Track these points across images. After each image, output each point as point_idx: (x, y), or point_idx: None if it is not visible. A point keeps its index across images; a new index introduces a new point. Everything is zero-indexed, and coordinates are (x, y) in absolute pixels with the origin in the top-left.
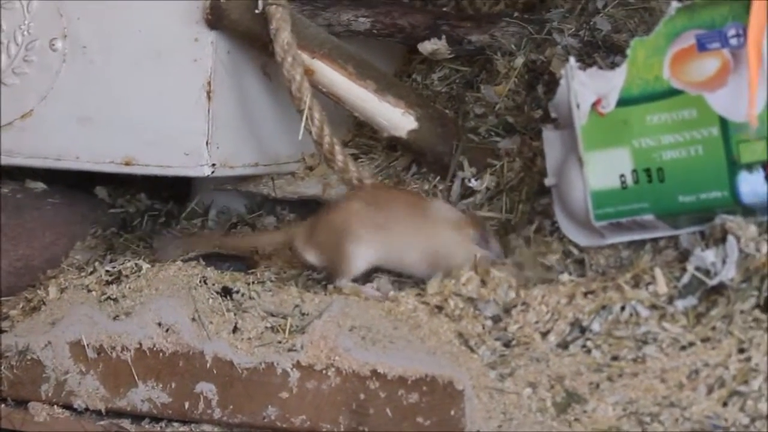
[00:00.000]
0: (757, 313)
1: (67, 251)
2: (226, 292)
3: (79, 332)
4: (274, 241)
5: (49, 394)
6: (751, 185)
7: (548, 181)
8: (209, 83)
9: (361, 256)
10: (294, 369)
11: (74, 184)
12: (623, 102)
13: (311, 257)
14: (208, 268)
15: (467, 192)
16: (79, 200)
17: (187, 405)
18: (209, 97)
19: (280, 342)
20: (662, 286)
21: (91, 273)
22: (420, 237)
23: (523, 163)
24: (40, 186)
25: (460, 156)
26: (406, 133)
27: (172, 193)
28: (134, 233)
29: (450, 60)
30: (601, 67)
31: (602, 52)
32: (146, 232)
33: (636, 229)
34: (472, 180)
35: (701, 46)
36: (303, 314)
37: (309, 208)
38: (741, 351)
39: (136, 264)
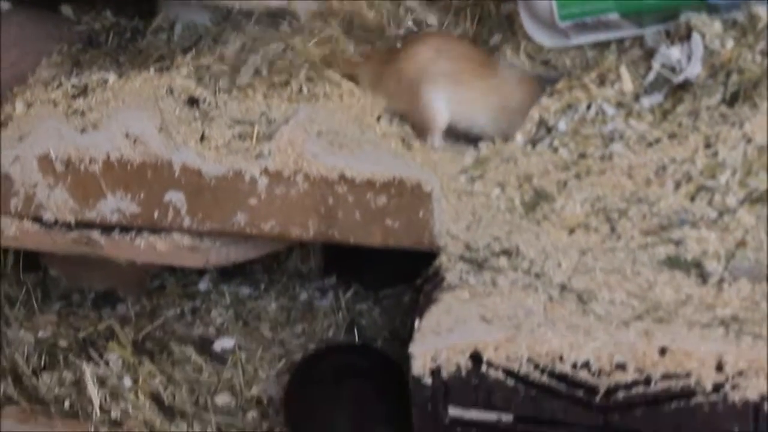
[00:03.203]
0: (723, 108)
1: (33, 68)
2: (192, 101)
3: (47, 146)
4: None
5: (19, 209)
6: None
7: None
8: None
9: (443, 106)
10: (262, 176)
11: (39, 2)
12: None
13: (381, 101)
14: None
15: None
16: (44, 18)
17: (156, 214)
18: None
19: (247, 149)
20: (628, 84)
21: (58, 87)
22: (491, 94)
23: None
24: (5, 5)
25: None
26: None
27: (137, 9)
28: (100, 49)
29: None
30: None
31: None
32: (112, 48)
33: (601, 28)
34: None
35: None
36: (270, 121)
37: (277, 21)
38: (708, 146)
39: (102, 77)
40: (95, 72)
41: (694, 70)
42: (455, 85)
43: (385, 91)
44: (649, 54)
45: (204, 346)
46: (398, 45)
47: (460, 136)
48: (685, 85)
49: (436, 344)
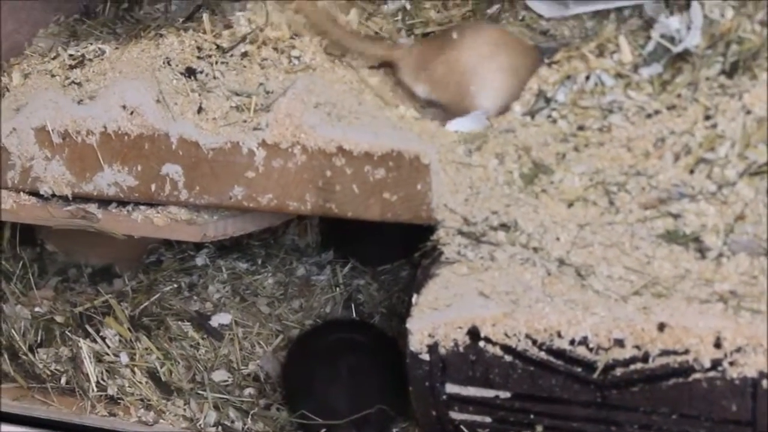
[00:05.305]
0: (722, 79)
1: (30, 39)
2: (190, 72)
3: (44, 117)
4: (370, 52)
5: (15, 182)
6: None
7: None
8: None
9: (495, 102)
10: (260, 148)
11: None
12: None
13: (420, 89)
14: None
15: None
16: None
17: (153, 187)
18: None
19: (245, 121)
20: (627, 55)
21: (55, 58)
22: None
23: None
24: None
25: None
26: None
27: None
28: (97, 20)
29: None
30: None
31: None
32: (109, 18)
33: None
34: None
35: None
36: (268, 92)
37: None
38: (707, 118)
39: (99, 48)
40: (92, 42)
41: (694, 40)
42: (513, 79)
43: (430, 77)
44: (649, 24)
45: (201, 321)
46: (453, 34)
47: None
48: (685, 56)
49: (434, 320)
